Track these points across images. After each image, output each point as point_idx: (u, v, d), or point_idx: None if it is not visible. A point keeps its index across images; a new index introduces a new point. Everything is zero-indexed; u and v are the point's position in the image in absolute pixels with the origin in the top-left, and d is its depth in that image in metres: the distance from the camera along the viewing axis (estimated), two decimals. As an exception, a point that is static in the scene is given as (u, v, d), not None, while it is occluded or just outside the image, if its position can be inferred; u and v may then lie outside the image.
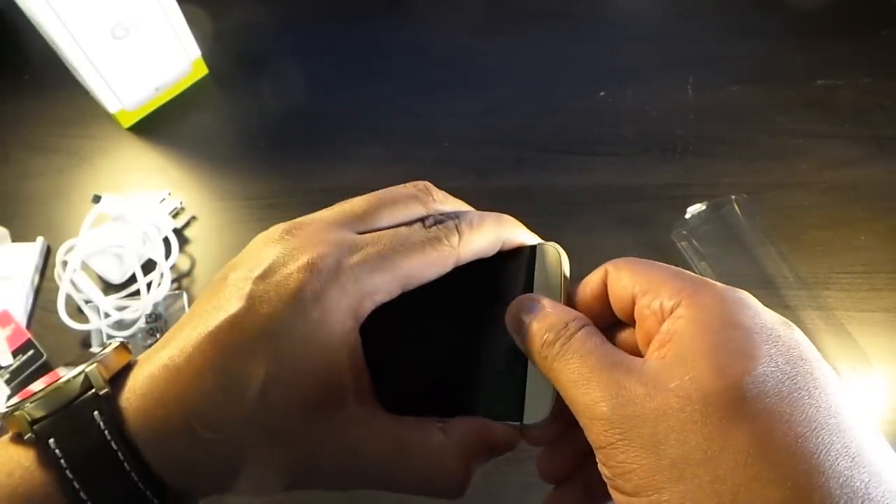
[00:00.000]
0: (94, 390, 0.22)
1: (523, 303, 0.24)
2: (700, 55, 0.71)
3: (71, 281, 0.56)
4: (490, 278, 0.27)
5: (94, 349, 0.55)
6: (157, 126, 0.69)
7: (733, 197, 0.57)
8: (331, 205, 0.26)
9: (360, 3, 0.78)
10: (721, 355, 0.19)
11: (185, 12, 0.66)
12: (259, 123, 0.69)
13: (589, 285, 0.25)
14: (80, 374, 0.22)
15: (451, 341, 0.26)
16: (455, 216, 0.26)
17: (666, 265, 0.24)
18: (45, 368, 0.55)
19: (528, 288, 0.26)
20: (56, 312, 0.55)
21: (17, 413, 0.21)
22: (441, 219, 0.25)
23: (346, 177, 0.64)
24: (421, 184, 0.27)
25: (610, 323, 0.25)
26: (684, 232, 0.56)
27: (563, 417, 0.23)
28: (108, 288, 0.58)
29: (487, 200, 0.62)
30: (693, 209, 0.57)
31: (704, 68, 0.70)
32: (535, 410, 0.24)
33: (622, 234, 0.59)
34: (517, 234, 0.28)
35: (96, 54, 0.61)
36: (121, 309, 0.56)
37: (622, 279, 0.24)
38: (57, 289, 0.56)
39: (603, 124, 0.67)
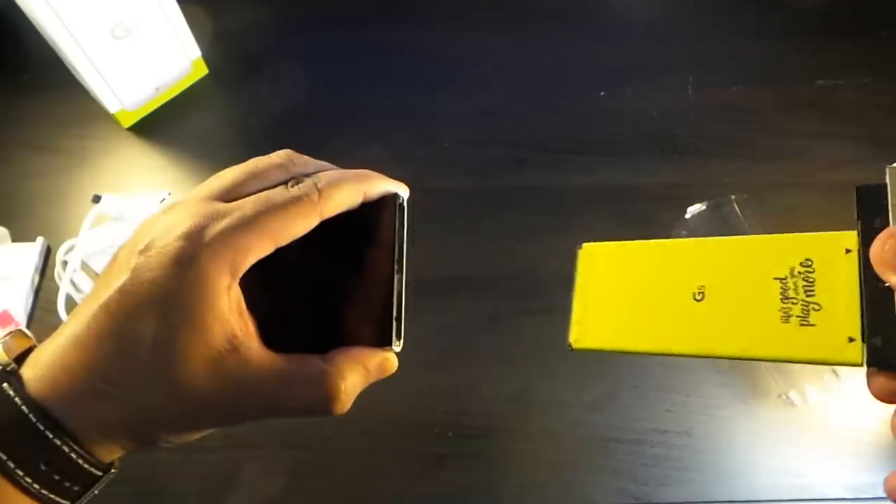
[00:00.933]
0: (1, 367, 0.24)
1: None
2: (700, 55, 0.71)
3: (71, 281, 0.56)
4: (358, 227, 0.29)
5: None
6: (157, 126, 0.69)
7: (733, 197, 0.57)
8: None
9: (360, 3, 0.78)
10: None
11: (185, 12, 0.66)
12: (259, 123, 0.69)
13: None
14: None
15: (326, 285, 0.29)
16: (316, 175, 0.28)
17: None
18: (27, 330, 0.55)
19: (390, 234, 0.28)
20: (56, 312, 0.55)
21: None
22: (302, 179, 0.28)
23: (346, 177, 0.64)
24: (283, 152, 0.30)
25: None
26: (684, 232, 0.56)
27: None
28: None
29: (487, 200, 0.62)
30: (693, 209, 0.57)
31: (704, 68, 0.70)
32: None
33: (622, 234, 0.59)
34: (380, 185, 0.29)
35: (96, 54, 0.61)
36: (121, 309, 0.56)
37: None
38: (57, 289, 0.56)
39: (603, 124, 0.67)
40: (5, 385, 0.23)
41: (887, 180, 0.24)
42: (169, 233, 0.25)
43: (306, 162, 0.30)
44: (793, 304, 0.24)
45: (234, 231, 0.25)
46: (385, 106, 0.70)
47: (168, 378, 0.24)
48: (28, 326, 0.57)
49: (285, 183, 0.28)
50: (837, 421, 0.49)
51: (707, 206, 0.57)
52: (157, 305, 0.24)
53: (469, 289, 0.56)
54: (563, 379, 0.52)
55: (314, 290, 0.30)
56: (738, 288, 0.25)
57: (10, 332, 0.26)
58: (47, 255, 0.61)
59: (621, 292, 0.28)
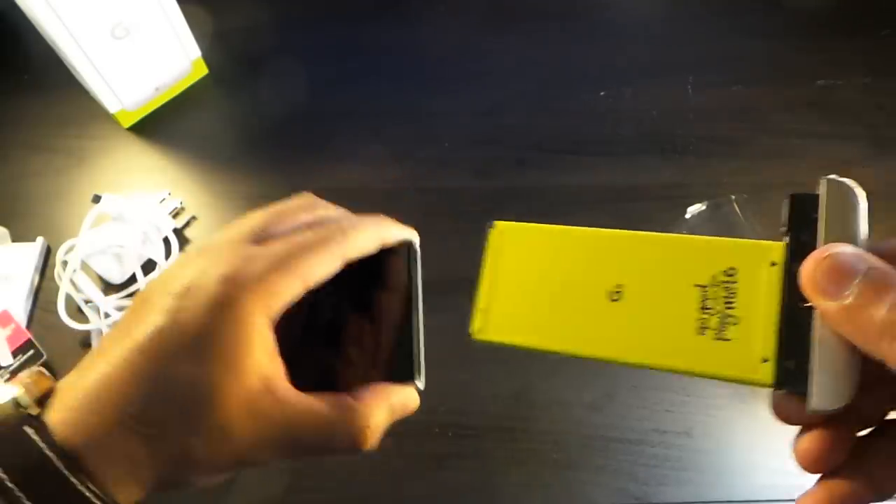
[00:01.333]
0: (25, 410, 0.24)
1: (845, 261, 0.20)
2: (700, 55, 0.71)
3: (71, 281, 0.56)
4: (375, 271, 0.30)
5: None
6: (157, 126, 0.69)
7: (733, 197, 0.57)
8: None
9: (360, 3, 0.78)
10: None
11: (185, 12, 0.66)
12: (259, 123, 0.69)
13: None
14: (6, 399, 0.24)
15: (351, 326, 0.31)
16: (338, 220, 0.29)
17: None
18: (45, 369, 0.55)
19: (405, 277, 0.30)
20: (56, 312, 0.55)
21: None
22: (325, 223, 0.28)
23: (346, 177, 0.64)
24: (305, 196, 0.30)
25: None
26: (684, 232, 0.56)
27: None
28: (108, 288, 0.58)
29: (487, 200, 0.62)
30: (693, 209, 0.57)
31: (704, 68, 0.70)
32: (831, 394, 0.20)
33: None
34: (395, 232, 0.30)
35: (96, 54, 0.61)
36: (121, 309, 0.56)
37: None
38: (57, 289, 0.56)
39: (603, 124, 0.67)
40: (27, 428, 0.23)
41: (821, 191, 0.22)
42: (206, 275, 0.25)
43: (327, 205, 0.30)
44: (710, 315, 0.23)
45: (270, 274, 0.25)
46: (385, 105, 0.70)
47: (205, 419, 0.24)
48: (28, 326, 0.57)
49: (310, 226, 0.28)
50: (837, 421, 0.49)
51: (707, 206, 0.57)
52: (196, 348, 0.24)
53: (469, 289, 0.56)
54: (563, 379, 0.52)
55: (337, 332, 0.31)
56: (657, 292, 0.24)
57: (30, 373, 0.25)
58: (47, 255, 0.61)
59: (532, 281, 0.26)
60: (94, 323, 0.55)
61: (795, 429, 0.24)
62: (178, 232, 0.61)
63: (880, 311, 0.18)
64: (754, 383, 0.22)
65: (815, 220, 0.22)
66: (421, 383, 0.29)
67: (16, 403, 0.24)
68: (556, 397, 0.52)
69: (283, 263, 0.25)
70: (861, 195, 0.22)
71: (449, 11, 0.77)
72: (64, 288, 0.55)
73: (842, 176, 0.23)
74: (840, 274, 0.20)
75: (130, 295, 0.58)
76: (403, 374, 0.28)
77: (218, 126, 0.70)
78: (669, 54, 0.71)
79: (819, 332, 0.21)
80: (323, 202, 0.31)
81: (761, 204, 0.59)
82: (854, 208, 0.22)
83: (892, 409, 0.22)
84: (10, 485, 0.22)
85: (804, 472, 0.22)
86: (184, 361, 0.24)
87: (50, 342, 0.56)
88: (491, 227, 0.28)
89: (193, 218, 0.63)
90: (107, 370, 0.24)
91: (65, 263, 0.57)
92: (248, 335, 0.24)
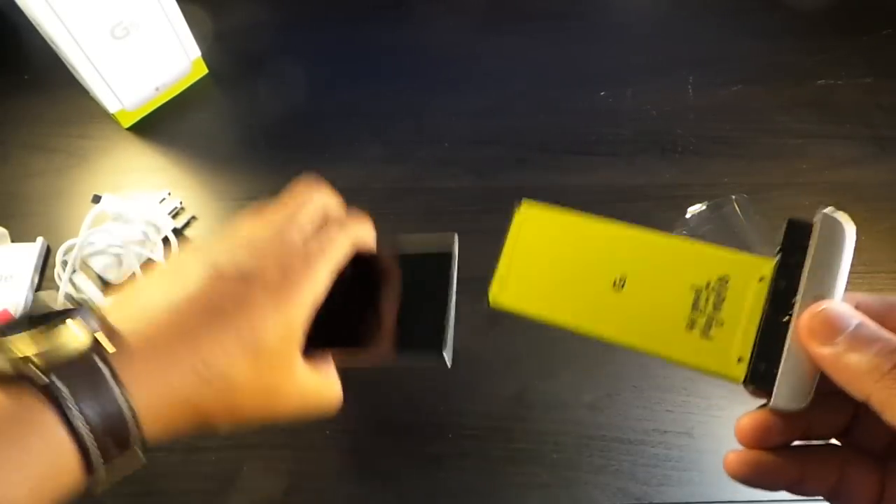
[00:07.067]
0: (97, 345, 0.25)
1: (837, 315, 0.23)
2: (700, 55, 0.71)
3: (71, 281, 0.56)
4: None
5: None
6: (157, 126, 0.69)
7: (733, 197, 0.57)
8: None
9: (360, 3, 0.78)
10: None
11: (185, 12, 0.66)
12: (259, 123, 0.69)
13: None
14: (80, 334, 0.25)
15: (355, 307, 0.35)
16: (337, 222, 0.35)
17: None
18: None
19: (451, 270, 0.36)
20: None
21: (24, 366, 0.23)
22: (327, 229, 0.34)
23: (346, 177, 0.64)
24: (305, 185, 0.35)
25: None
26: (684, 232, 0.56)
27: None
28: (108, 288, 0.58)
29: (487, 200, 0.62)
30: (693, 209, 0.57)
31: (704, 68, 0.70)
32: (792, 396, 0.24)
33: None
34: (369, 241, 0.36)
35: (96, 54, 0.61)
36: (121, 309, 0.56)
37: None
38: (57, 289, 0.56)
39: (603, 124, 0.67)
40: (105, 370, 0.24)
41: (815, 222, 0.25)
42: (268, 268, 0.29)
43: (325, 197, 0.36)
44: (700, 314, 0.26)
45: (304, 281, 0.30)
46: (385, 106, 0.70)
47: (261, 374, 0.28)
48: (28, 326, 0.57)
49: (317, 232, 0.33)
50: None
51: (707, 206, 0.57)
52: (264, 309, 0.28)
53: (469, 289, 0.56)
54: (563, 379, 0.52)
55: (346, 312, 0.35)
56: (656, 287, 0.27)
57: (78, 311, 0.26)
58: (47, 255, 0.61)
59: (548, 260, 0.29)
60: (94, 323, 0.55)
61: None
62: (178, 232, 0.61)
63: (863, 359, 0.21)
64: (728, 378, 0.25)
65: (806, 248, 0.24)
66: (448, 358, 0.32)
67: (92, 340, 0.25)
68: (556, 397, 0.52)
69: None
70: (850, 232, 0.24)
71: (449, 11, 0.77)
72: (64, 288, 0.55)
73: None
74: (832, 326, 0.22)
75: (130, 295, 0.58)
76: (431, 344, 0.32)
77: (218, 126, 0.70)
78: (669, 54, 0.71)
79: (791, 344, 0.24)
80: (320, 194, 0.35)
81: (761, 204, 0.59)
82: (841, 245, 0.24)
83: (833, 436, 0.26)
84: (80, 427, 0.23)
85: (738, 441, 0.26)
86: (256, 313, 0.28)
87: (50, 342, 0.56)
88: (518, 205, 0.31)
89: (193, 218, 0.63)
90: (179, 309, 0.27)
91: (64, 263, 0.57)
92: (297, 312, 0.29)
